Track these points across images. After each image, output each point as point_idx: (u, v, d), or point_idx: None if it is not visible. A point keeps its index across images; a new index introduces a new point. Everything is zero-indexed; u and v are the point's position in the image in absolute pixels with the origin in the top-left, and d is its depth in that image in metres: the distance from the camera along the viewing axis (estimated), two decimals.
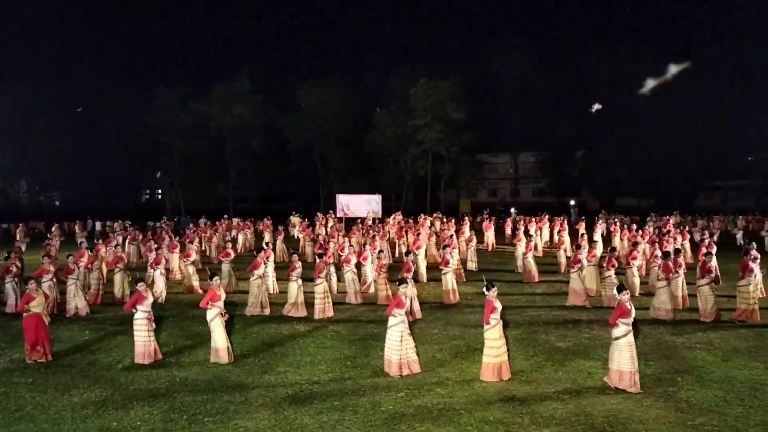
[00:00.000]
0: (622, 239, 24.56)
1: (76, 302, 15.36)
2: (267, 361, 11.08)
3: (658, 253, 17.06)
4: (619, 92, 54.19)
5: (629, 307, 9.24)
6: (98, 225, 40.55)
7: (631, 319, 9.23)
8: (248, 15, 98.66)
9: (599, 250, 18.81)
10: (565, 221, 29.80)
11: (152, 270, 18.11)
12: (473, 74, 57.54)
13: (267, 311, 15.16)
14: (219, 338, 10.91)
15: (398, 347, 10.05)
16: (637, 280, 16.76)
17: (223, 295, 11.19)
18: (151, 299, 11.16)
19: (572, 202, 54.05)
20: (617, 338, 9.24)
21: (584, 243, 18.10)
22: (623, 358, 9.14)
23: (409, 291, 14.21)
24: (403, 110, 52.58)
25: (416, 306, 14.36)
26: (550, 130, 57.38)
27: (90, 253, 17.92)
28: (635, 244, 19.09)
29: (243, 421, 8.33)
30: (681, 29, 70.85)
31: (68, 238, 35.11)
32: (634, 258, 17.15)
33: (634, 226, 27.14)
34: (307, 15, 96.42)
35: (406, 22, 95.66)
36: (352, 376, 10.17)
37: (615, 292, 9.69)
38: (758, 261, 16.21)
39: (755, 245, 17.18)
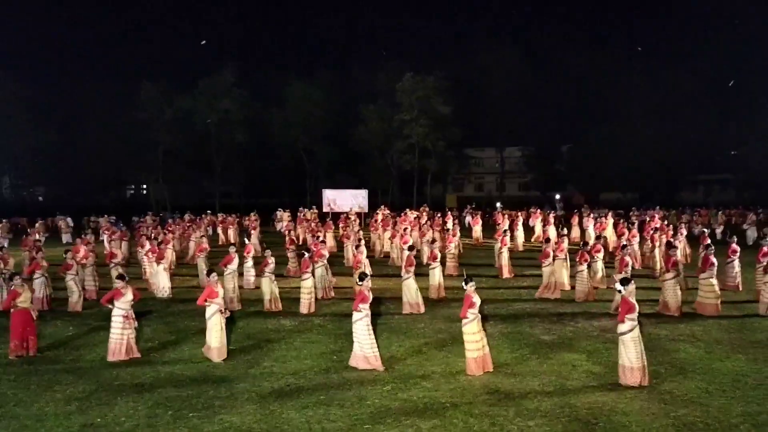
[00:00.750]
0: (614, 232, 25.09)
1: (74, 297, 15.30)
2: (253, 356, 11.05)
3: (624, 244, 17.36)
4: (604, 88, 54.53)
5: (633, 301, 9.23)
6: (70, 221, 39.02)
7: (637, 314, 9.20)
8: (233, 9, 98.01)
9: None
10: (551, 215, 30.04)
11: (157, 264, 17.91)
12: (459, 69, 57.57)
13: (236, 306, 15.05)
14: (215, 336, 10.69)
15: (369, 340, 10.17)
16: (601, 274, 16.85)
17: (221, 292, 10.95)
18: (130, 297, 10.93)
19: (557, 197, 54.37)
20: (623, 333, 9.18)
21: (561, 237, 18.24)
22: (630, 353, 9.11)
23: (412, 284, 14.42)
24: (389, 105, 52.50)
25: (420, 299, 14.56)
26: (536, 125, 57.62)
27: (86, 247, 17.85)
28: (598, 237, 19.24)
29: (228, 415, 8.31)
30: (664, 27, 71.51)
31: (52, 234, 34.81)
32: (598, 251, 17.22)
33: (603, 219, 27.58)
34: (292, 8, 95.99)
35: (393, 16, 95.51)
36: (337, 371, 10.17)
37: (618, 285, 9.55)
38: (737, 254, 16.52)
39: (735, 238, 17.46)
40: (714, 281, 14.00)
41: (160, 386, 9.51)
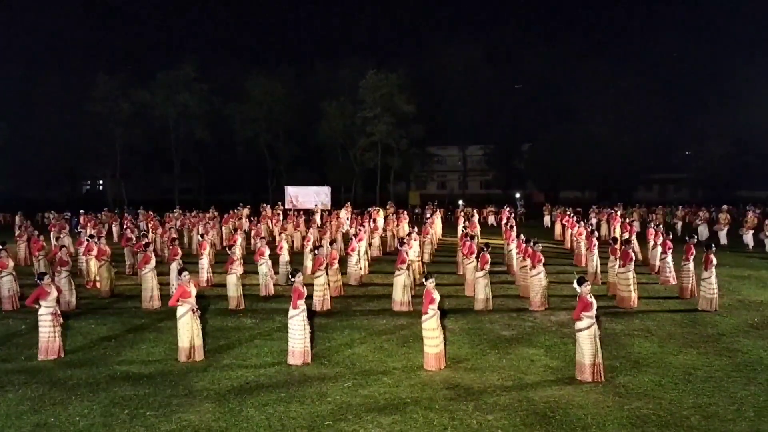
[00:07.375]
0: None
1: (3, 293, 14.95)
2: (212, 354, 10.90)
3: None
4: (563, 87, 55.42)
5: (590, 299, 9.39)
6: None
7: (594, 312, 9.36)
8: (194, 1, 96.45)
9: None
10: (512, 213, 30.45)
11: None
12: (422, 67, 57.78)
13: (155, 304, 14.91)
14: (183, 337, 10.46)
15: (302, 337, 10.27)
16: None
17: (194, 291, 10.67)
18: (55, 294, 10.68)
19: (518, 195, 55.05)
20: (580, 330, 9.36)
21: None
22: (585, 350, 9.29)
23: (402, 280, 14.48)
24: (352, 101, 52.30)
25: (408, 297, 14.58)
26: (497, 124, 58.19)
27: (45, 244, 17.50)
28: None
29: (186, 414, 8.19)
30: (621, 29, 73.11)
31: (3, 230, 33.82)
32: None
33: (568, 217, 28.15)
34: (254, 3, 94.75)
35: (355, 12, 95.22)
36: (298, 367, 10.12)
37: (576, 284, 9.66)
38: (671, 250, 17.23)
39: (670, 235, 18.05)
40: (630, 276, 14.59)
41: (116, 385, 9.33)
